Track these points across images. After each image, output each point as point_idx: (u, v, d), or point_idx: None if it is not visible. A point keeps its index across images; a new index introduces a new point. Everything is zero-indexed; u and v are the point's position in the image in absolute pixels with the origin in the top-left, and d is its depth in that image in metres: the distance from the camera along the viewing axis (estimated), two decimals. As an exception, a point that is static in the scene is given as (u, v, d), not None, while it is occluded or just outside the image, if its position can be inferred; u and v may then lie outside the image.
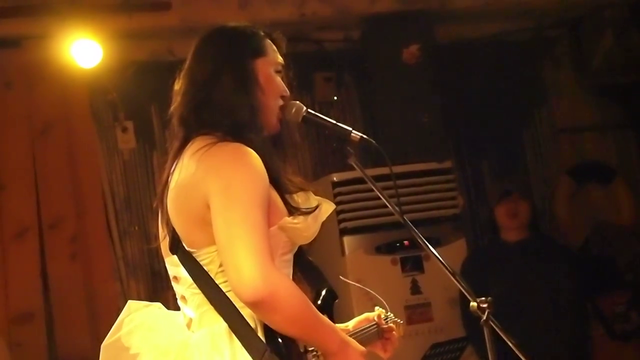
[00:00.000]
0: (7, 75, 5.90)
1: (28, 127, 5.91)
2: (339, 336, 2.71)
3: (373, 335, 3.06)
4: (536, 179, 7.08)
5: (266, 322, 2.60)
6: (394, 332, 3.14)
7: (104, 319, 5.51)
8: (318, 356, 2.71)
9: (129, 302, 2.93)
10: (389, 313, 3.17)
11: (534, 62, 7.08)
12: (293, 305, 2.56)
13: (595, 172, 7.12)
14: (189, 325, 2.77)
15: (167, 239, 2.77)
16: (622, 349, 6.68)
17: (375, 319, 3.10)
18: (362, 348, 2.78)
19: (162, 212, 2.80)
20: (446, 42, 6.53)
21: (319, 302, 2.83)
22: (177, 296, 2.83)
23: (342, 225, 5.89)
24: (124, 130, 6.20)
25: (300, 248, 2.86)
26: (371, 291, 3.24)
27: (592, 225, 7.00)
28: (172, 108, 2.87)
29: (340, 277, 3.26)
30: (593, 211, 7.05)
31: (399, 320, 3.20)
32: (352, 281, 5.20)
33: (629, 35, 6.70)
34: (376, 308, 3.15)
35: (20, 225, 5.81)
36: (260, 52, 2.86)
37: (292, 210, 2.75)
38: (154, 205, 2.86)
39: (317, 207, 2.82)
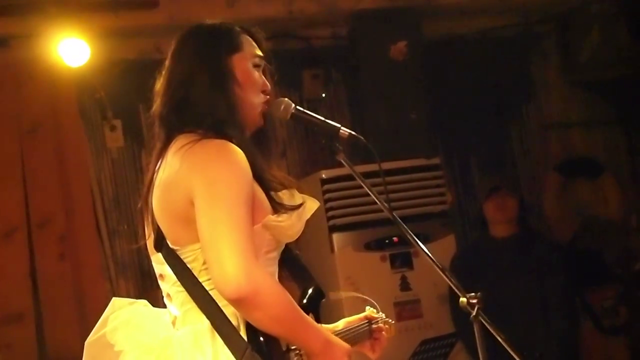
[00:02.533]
0: (-6, 75, 5.89)
1: (16, 126, 5.89)
2: (322, 335, 2.71)
3: (364, 334, 3.06)
4: (524, 174, 7.09)
5: (249, 320, 2.60)
6: (383, 333, 3.14)
7: (93, 318, 5.43)
8: (301, 355, 2.70)
9: (114, 299, 2.93)
10: (380, 313, 3.17)
11: (521, 57, 7.10)
12: (275, 303, 2.57)
13: (583, 168, 7.14)
14: (174, 323, 2.76)
15: (152, 237, 2.77)
16: (610, 343, 6.70)
17: (367, 317, 3.11)
18: (347, 346, 2.77)
19: (147, 211, 2.80)
20: (433, 39, 6.53)
21: (305, 300, 2.83)
22: (163, 294, 2.82)
23: (331, 222, 5.89)
24: (112, 128, 6.19)
25: (287, 246, 2.85)
26: (362, 296, 3.23)
27: (580, 220, 7.02)
28: (153, 109, 2.87)
29: (331, 293, 3.26)
30: (581, 206, 7.07)
31: (390, 321, 3.20)
32: (345, 277, 5.23)
33: (616, 31, 6.71)
34: (367, 308, 3.15)
35: (8, 225, 5.79)
36: (236, 47, 2.86)
37: (277, 208, 2.75)
38: (139, 206, 2.86)
39: (301, 204, 2.81)
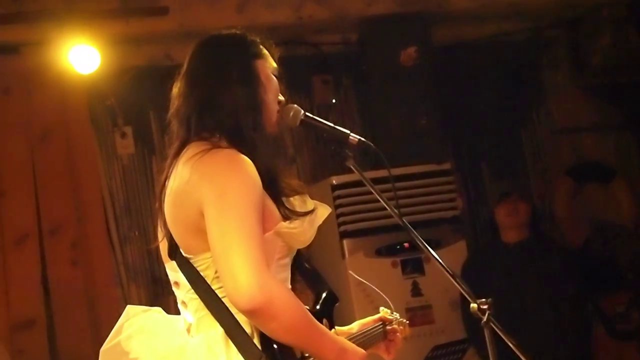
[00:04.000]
0: (5, 82, 5.90)
1: (27, 133, 5.90)
2: (336, 344, 2.70)
3: (379, 336, 3.06)
4: (535, 179, 7.08)
5: (263, 330, 2.60)
6: (398, 334, 3.14)
7: (105, 324, 5.50)
8: None
9: (128, 306, 2.93)
10: (394, 313, 3.17)
11: (532, 62, 7.09)
12: (289, 314, 2.56)
13: (595, 172, 7.12)
14: (188, 330, 2.77)
15: (166, 243, 2.77)
16: (623, 348, 6.68)
17: (382, 318, 3.10)
18: (361, 352, 2.77)
19: (160, 213, 2.80)
20: (444, 44, 6.53)
21: (319, 306, 2.83)
22: (178, 301, 2.83)
23: (342, 228, 5.89)
24: (123, 135, 6.20)
25: (299, 252, 2.85)
26: (376, 289, 3.23)
27: (592, 225, 7.00)
28: (170, 111, 2.87)
29: (350, 272, 3.25)
30: (593, 211, 7.05)
31: (404, 321, 3.20)
32: (356, 282, 5.21)
33: (627, 35, 6.70)
34: (381, 309, 3.15)
35: (20, 232, 5.80)
36: (259, 54, 2.88)
37: (288, 214, 2.75)
38: (156, 205, 2.84)
39: (312, 210, 2.81)
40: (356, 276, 3.44)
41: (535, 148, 7.15)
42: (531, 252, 5.60)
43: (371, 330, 3.05)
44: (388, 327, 3.12)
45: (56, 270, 5.85)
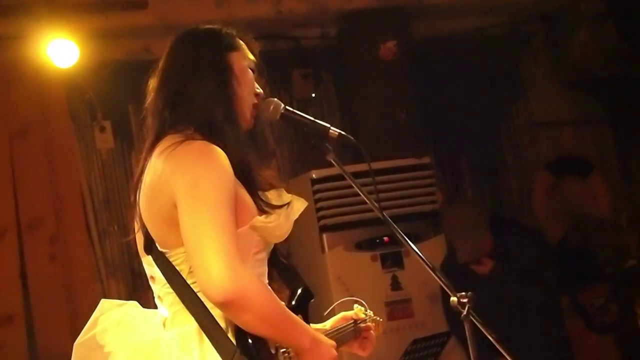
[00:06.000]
0: (-17, 76, 5.88)
1: (5, 128, 5.88)
2: (309, 333, 2.72)
3: (349, 334, 3.06)
4: (514, 173, 7.10)
5: (236, 322, 2.60)
6: (371, 331, 3.14)
7: (84, 319, 5.41)
8: (290, 356, 2.71)
9: (103, 300, 2.92)
10: (368, 311, 3.17)
11: (510, 56, 7.10)
12: (262, 305, 2.57)
13: (573, 166, 7.15)
14: (164, 325, 2.76)
15: (142, 238, 2.76)
16: (601, 341, 6.71)
17: (353, 317, 3.10)
18: (333, 343, 2.79)
19: (136, 207, 2.80)
20: (423, 38, 6.54)
21: (294, 302, 2.84)
22: (154, 295, 2.82)
23: (322, 222, 5.89)
24: (102, 129, 6.18)
25: (275, 247, 2.85)
26: (353, 298, 3.23)
27: (570, 219, 7.02)
28: (146, 104, 2.87)
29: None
30: (571, 205, 7.07)
31: (378, 318, 3.20)
32: (335, 276, 5.19)
33: (604, 29, 6.72)
34: (355, 306, 3.15)
35: (-2, 227, 5.79)
36: (233, 46, 2.88)
37: (263, 207, 2.75)
38: (131, 198, 2.84)
39: (288, 204, 2.81)
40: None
41: (514, 141, 7.17)
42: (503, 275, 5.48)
43: (344, 328, 3.05)
44: (362, 325, 3.12)
45: (35, 265, 5.83)
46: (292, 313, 2.70)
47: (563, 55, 7.02)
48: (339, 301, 3.22)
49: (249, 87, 2.87)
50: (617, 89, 6.86)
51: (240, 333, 2.61)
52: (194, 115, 2.75)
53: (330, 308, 3.13)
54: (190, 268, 2.64)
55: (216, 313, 2.62)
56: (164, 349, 2.67)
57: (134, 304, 2.92)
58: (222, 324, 2.63)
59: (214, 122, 2.73)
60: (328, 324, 3.06)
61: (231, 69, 2.82)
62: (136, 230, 2.82)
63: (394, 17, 6.27)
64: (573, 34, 6.89)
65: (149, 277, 2.82)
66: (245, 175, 2.73)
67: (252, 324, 2.58)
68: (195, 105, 2.75)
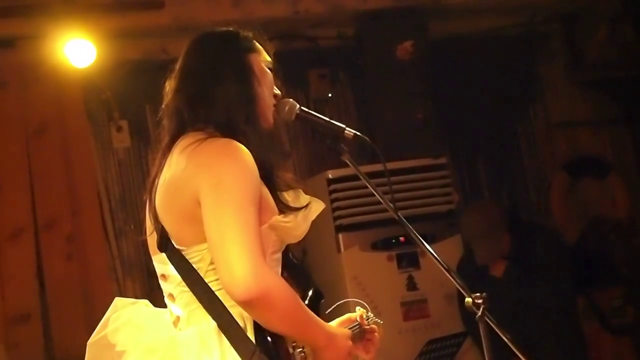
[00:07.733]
0: (1, 76, 5.89)
1: (23, 127, 5.90)
2: (326, 330, 2.73)
3: (357, 335, 3.06)
4: (531, 174, 7.08)
5: (258, 321, 2.60)
6: (375, 334, 3.14)
7: (100, 318, 5.44)
8: (305, 355, 2.72)
9: (116, 299, 2.93)
10: (369, 313, 3.16)
11: (528, 57, 7.09)
12: (285, 303, 2.57)
13: (590, 167, 7.12)
14: (175, 323, 2.75)
15: (155, 236, 2.76)
16: (617, 343, 6.69)
17: (358, 319, 3.10)
18: (347, 332, 2.83)
19: (150, 206, 2.79)
20: (440, 38, 6.53)
21: (306, 301, 2.83)
22: (164, 294, 2.81)
23: (338, 222, 5.89)
24: (119, 129, 6.19)
25: (287, 248, 2.84)
26: (353, 299, 3.22)
27: (587, 220, 7.00)
28: (163, 105, 2.87)
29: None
30: (588, 206, 7.05)
31: (379, 321, 3.19)
32: (352, 276, 5.17)
33: (623, 30, 6.70)
34: (357, 308, 3.14)
35: (15, 226, 5.80)
36: (252, 48, 2.89)
37: (283, 208, 2.75)
38: (144, 198, 2.84)
39: (307, 205, 2.81)
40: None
41: (531, 142, 7.15)
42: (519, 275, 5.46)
43: (352, 329, 3.05)
44: (366, 327, 3.11)
45: (51, 264, 5.85)
46: (310, 311, 2.71)
47: (580, 56, 7.00)
48: (339, 302, 3.22)
49: (269, 88, 2.88)
50: (635, 90, 6.82)
51: (259, 331, 2.61)
52: (215, 116, 2.75)
53: (331, 308, 3.13)
54: (208, 266, 2.64)
55: (234, 311, 2.62)
56: (182, 348, 2.66)
57: (145, 303, 2.92)
58: (241, 322, 2.62)
59: (235, 123, 2.73)
60: (333, 324, 3.06)
61: (252, 70, 2.82)
62: (149, 233, 2.82)
63: (410, 17, 6.26)
64: (591, 35, 6.87)
65: (159, 275, 2.81)
66: (266, 176, 2.73)
67: (274, 323, 2.59)
68: (217, 106, 2.75)
